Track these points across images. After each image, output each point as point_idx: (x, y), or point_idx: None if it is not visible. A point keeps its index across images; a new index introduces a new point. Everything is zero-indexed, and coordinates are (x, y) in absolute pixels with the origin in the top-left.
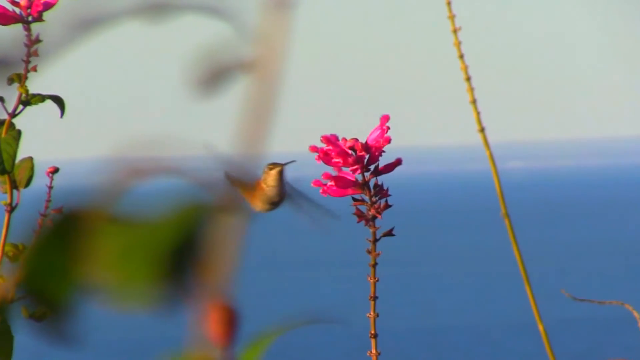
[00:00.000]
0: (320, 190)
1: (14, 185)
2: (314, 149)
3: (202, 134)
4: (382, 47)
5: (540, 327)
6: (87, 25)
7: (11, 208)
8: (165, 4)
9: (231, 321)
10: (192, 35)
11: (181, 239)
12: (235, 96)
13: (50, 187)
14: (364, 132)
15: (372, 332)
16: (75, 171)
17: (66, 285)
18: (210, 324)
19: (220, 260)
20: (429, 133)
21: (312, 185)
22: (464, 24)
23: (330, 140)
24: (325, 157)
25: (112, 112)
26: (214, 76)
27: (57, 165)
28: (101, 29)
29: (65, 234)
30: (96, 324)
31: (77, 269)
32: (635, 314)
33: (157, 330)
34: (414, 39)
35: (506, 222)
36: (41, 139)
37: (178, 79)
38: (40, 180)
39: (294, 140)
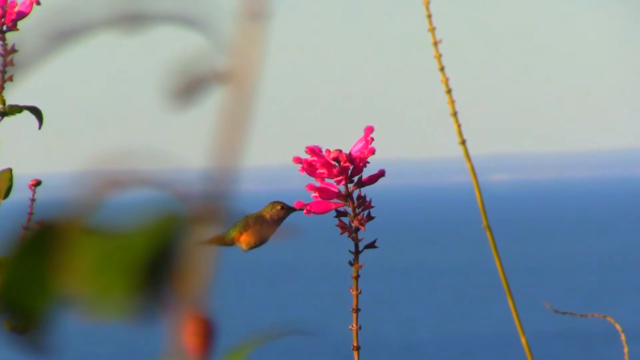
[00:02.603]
0: (304, 211)
1: None
2: (297, 160)
3: (177, 145)
4: (362, 59)
5: (523, 340)
6: (62, 36)
7: None
8: (140, 15)
9: (207, 333)
10: (167, 46)
11: (157, 251)
12: (210, 108)
13: (33, 200)
14: (342, 144)
15: (355, 344)
16: (52, 183)
17: (43, 297)
18: (187, 336)
19: (196, 271)
20: (411, 145)
21: (295, 207)
22: (446, 36)
23: (315, 151)
24: (309, 168)
25: (88, 124)
26: (189, 88)
27: (36, 178)
28: (76, 40)
29: (42, 245)
30: (73, 336)
31: (54, 281)
32: (618, 326)
33: (134, 342)
34: (395, 51)
35: (488, 234)
36: (17, 151)
37: (153, 91)
38: (18, 193)
39: (270, 152)
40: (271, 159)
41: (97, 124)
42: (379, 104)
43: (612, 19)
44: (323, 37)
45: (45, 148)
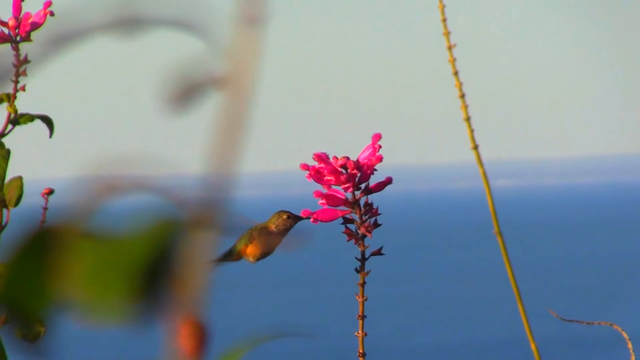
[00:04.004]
0: (311, 220)
1: (3, 205)
2: (305, 167)
3: (174, 150)
4: (373, 63)
5: (533, 346)
6: (59, 41)
7: (1, 227)
8: (137, 19)
9: (203, 336)
10: (164, 51)
11: (154, 255)
12: (207, 113)
13: (45, 209)
14: (346, 151)
15: (361, 350)
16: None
17: (41, 301)
18: (183, 339)
19: (193, 276)
20: (417, 151)
21: (301, 215)
22: (454, 41)
23: (322, 158)
24: (316, 175)
25: (85, 129)
26: (186, 92)
27: (38, 184)
28: (73, 45)
29: (40, 250)
30: (70, 341)
31: (52, 285)
32: (624, 334)
33: (131, 347)
34: (404, 54)
35: (499, 239)
36: (20, 157)
37: (150, 96)
38: (27, 200)
39: (268, 158)
40: (269, 165)
41: (94, 128)
42: (382, 109)
43: (614, 23)
44: (326, 39)
45: (42, 153)
